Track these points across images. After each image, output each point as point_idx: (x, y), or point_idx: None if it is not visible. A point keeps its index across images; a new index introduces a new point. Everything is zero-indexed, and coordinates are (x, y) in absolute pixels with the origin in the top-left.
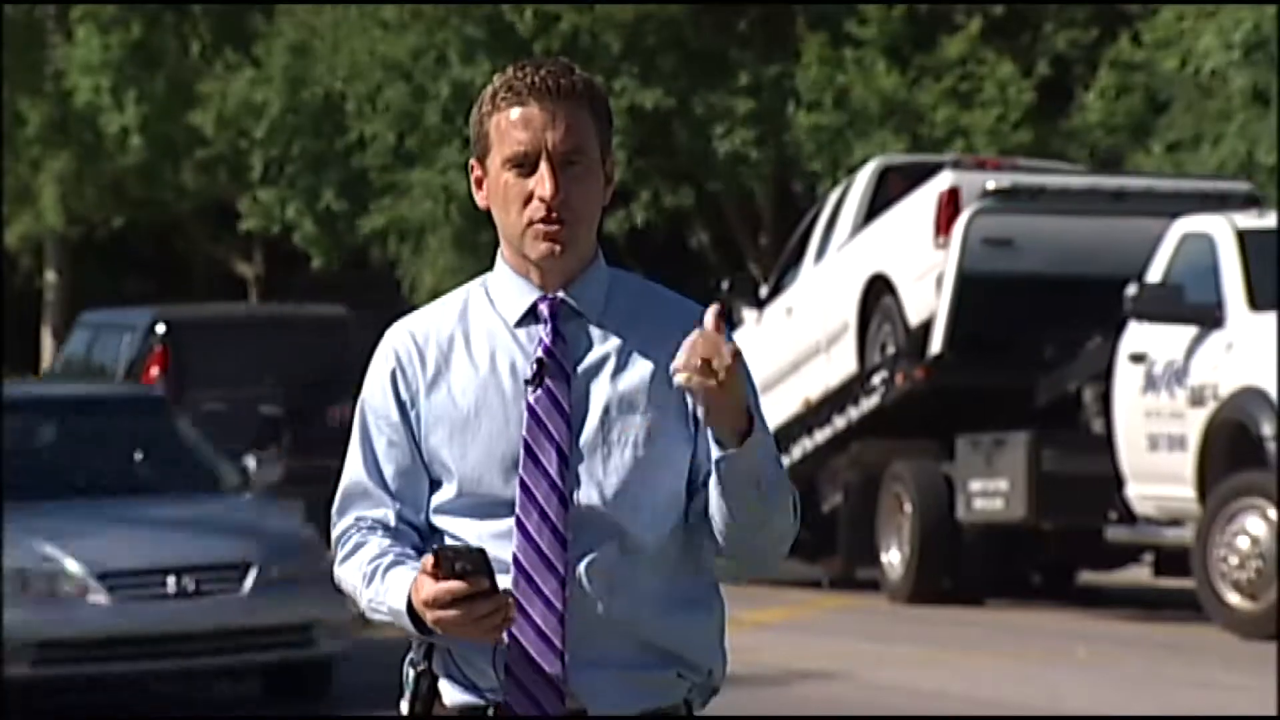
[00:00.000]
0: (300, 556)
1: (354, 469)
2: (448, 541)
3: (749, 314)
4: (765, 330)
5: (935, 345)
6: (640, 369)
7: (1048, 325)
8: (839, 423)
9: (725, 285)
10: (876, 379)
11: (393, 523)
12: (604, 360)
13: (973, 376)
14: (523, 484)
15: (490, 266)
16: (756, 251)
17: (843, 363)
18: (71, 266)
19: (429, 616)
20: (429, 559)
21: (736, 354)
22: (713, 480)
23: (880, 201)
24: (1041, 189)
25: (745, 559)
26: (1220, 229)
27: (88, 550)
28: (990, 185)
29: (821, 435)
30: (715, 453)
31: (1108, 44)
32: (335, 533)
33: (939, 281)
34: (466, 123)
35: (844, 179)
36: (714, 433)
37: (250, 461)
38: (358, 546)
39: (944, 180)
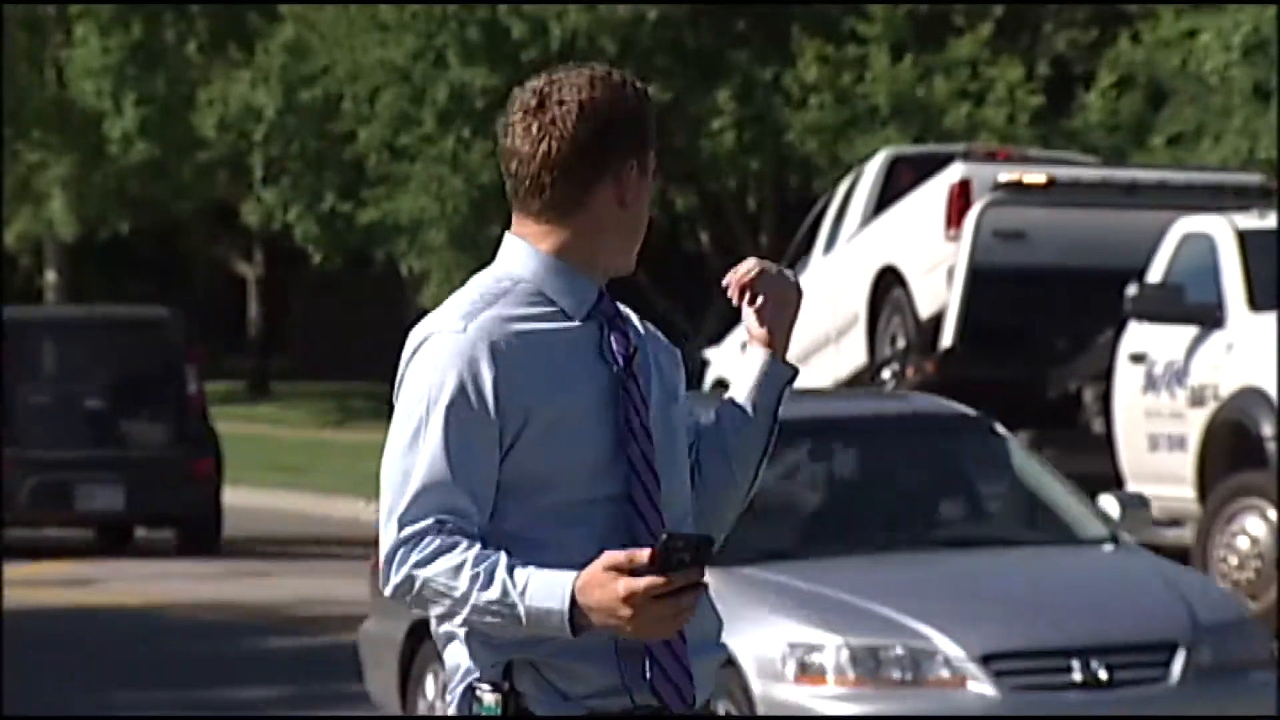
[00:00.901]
0: (1237, 634)
1: (432, 467)
2: (671, 530)
3: None
4: None
5: (946, 339)
6: (665, 362)
7: (1060, 318)
8: None
9: None
10: (886, 372)
11: (473, 528)
12: (647, 352)
13: (984, 370)
14: (632, 465)
15: (488, 262)
16: (756, 252)
17: (852, 354)
18: (72, 267)
19: (624, 613)
20: (638, 552)
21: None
22: (745, 421)
23: (890, 193)
24: (1053, 181)
25: (737, 505)
26: (1220, 229)
27: (959, 623)
28: (1002, 178)
29: None
30: (779, 371)
31: (1108, 44)
32: (405, 532)
33: (950, 274)
34: (465, 122)
35: (848, 172)
36: (776, 354)
37: (1110, 503)
38: (447, 547)
39: (955, 172)
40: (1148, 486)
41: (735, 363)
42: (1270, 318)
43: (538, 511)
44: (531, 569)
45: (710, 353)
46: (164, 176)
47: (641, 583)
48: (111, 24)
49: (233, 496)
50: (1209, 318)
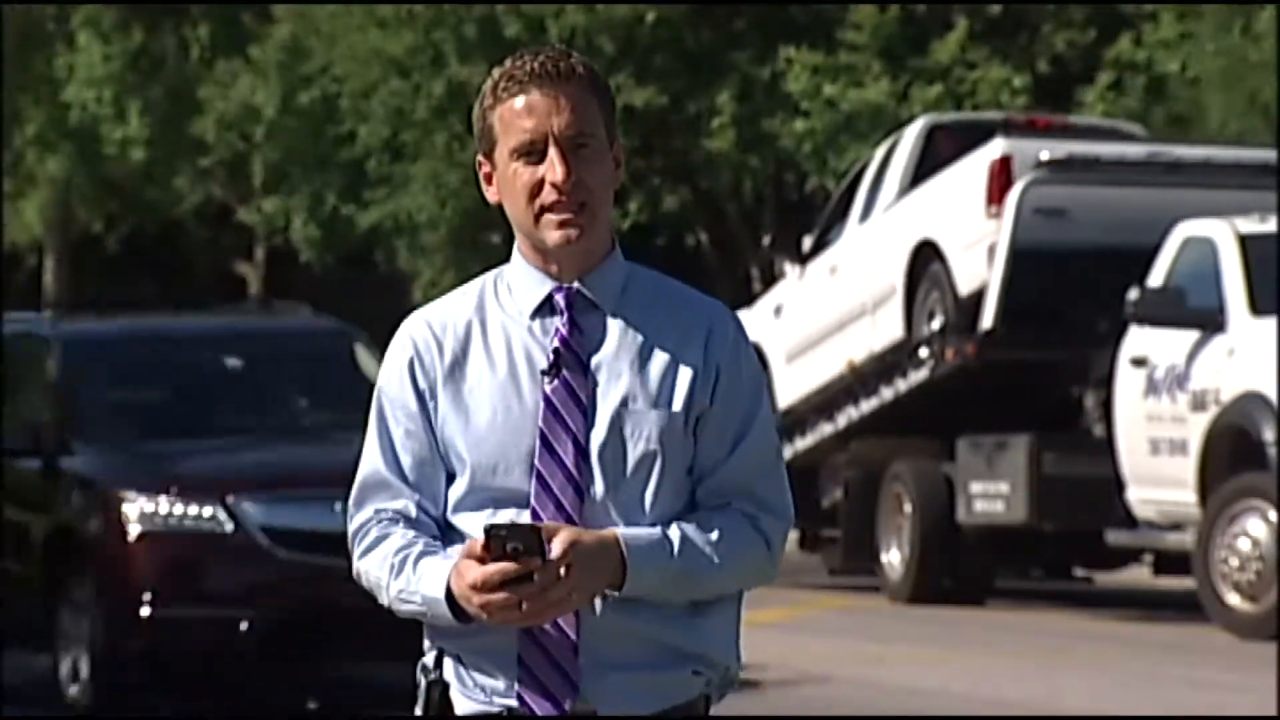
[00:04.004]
0: None
1: (372, 460)
2: (498, 520)
3: (791, 269)
4: (808, 287)
5: (987, 320)
6: (656, 362)
7: (1102, 298)
8: (886, 394)
9: (767, 241)
10: (925, 352)
11: (413, 514)
12: (620, 352)
13: (1024, 352)
14: (539, 475)
15: (493, 264)
16: (754, 250)
17: (888, 327)
18: (73, 267)
19: (476, 601)
20: (477, 541)
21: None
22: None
23: (928, 162)
24: (1097, 159)
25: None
26: (1221, 233)
27: None
28: (1045, 156)
29: (868, 405)
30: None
31: (1106, 44)
32: (353, 525)
33: (990, 251)
34: (460, 120)
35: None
36: None
37: None
38: (381, 538)
39: (996, 148)
40: (1149, 490)
41: (769, 328)
42: (1271, 322)
43: (473, 501)
44: (437, 558)
45: (741, 315)
46: (161, 180)
47: (480, 573)
48: (112, 31)
49: None
50: (1210, 322)
